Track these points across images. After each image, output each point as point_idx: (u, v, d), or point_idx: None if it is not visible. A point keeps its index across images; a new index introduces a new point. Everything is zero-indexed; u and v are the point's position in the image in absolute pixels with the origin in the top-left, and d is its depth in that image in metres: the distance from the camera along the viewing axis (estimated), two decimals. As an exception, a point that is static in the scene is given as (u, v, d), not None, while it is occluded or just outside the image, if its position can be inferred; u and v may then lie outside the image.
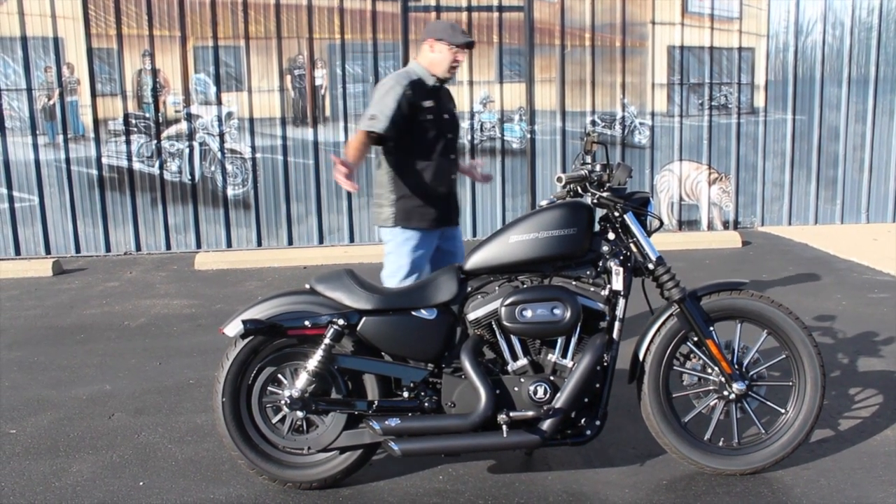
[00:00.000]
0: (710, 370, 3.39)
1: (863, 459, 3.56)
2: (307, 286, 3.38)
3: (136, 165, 8.81)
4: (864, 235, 8.82)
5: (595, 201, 3.32)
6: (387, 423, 3.15)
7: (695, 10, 9.24)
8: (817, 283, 6.78)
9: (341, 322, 3.18)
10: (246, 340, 3.26)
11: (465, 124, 9.07)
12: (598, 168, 3.33)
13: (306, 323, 3.20)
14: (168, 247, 8.92)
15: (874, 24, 9.41)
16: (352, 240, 9.02)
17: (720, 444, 3.42)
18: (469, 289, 3.34)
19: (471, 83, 9.06)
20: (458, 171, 4.40)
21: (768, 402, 3.42)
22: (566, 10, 9.06)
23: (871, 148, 9.61)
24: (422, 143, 4.18)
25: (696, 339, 3.36)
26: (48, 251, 8.76)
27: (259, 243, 9.01)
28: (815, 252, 8.12)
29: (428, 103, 4.16)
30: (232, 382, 3.30)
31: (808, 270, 7.29)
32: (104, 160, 8.75)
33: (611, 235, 3.34)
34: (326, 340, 3.18)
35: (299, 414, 3.24)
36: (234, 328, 3.23)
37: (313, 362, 3.20)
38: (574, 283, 3.32)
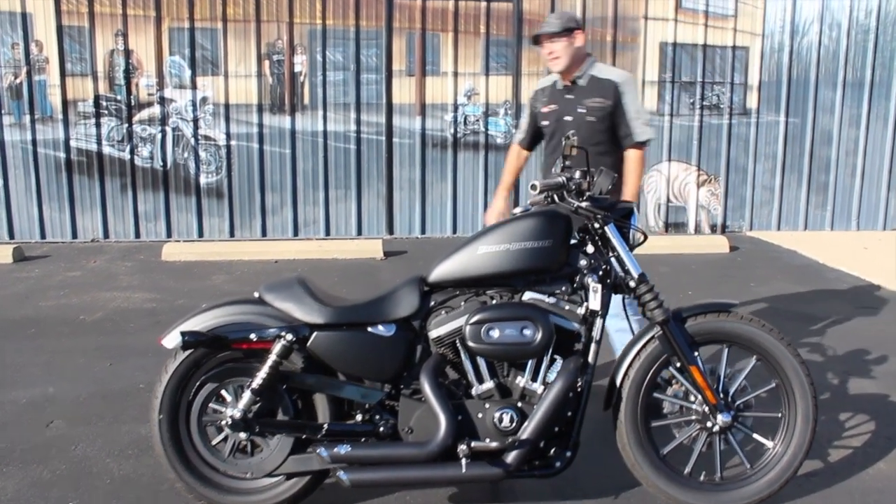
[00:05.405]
0: (692, 398, 3.11)
1: (854, 496, 3.30)
2: (256, 294, 3.08)
3: (106, 149, 8.49)
4: (854, 244, 8.58)
5: (573, 211, 3.03)
6: (336, 450, 2.85)
7: (689, 7, 8.96)
8: (805, 294, 6.53)
9: (290, 336, 2.88)
10: (187, 353, 2.98)
11: (447, 117, 8.78)
12: (577, 175, 3.04)
13: (252, 336, 2.91)
14: (137, 235, 8.60)
15: (871, 26, 9.15)
16: (328, 233, 8.68)
17: (701, 478, 3.14)
18: (432, 303, 3.04)
19: (455, 75, 8.75)
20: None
21: (755, 436, 3.15)
22: (556, 1, 8.75)
23: (864, 154, 9.36)
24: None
25: (678, 364, 3.07)
26: (11, 236, 8.43)
27: (232, 234, 8.70)
28: (803, 259, 7.87)
29: (548, 108, 4.20)
30: (170, 398, 3.02)
31: (797, 279, 7.04)
32: (73, 143, 8.43)
33: (589, 249, 3.05)
34: (273, 356, 2.88)
35: (242, 436, 2.96)
36: (172, 340, 2.95)
37: (258, 380, 2.90)
38: (547, 299, 3.02)
